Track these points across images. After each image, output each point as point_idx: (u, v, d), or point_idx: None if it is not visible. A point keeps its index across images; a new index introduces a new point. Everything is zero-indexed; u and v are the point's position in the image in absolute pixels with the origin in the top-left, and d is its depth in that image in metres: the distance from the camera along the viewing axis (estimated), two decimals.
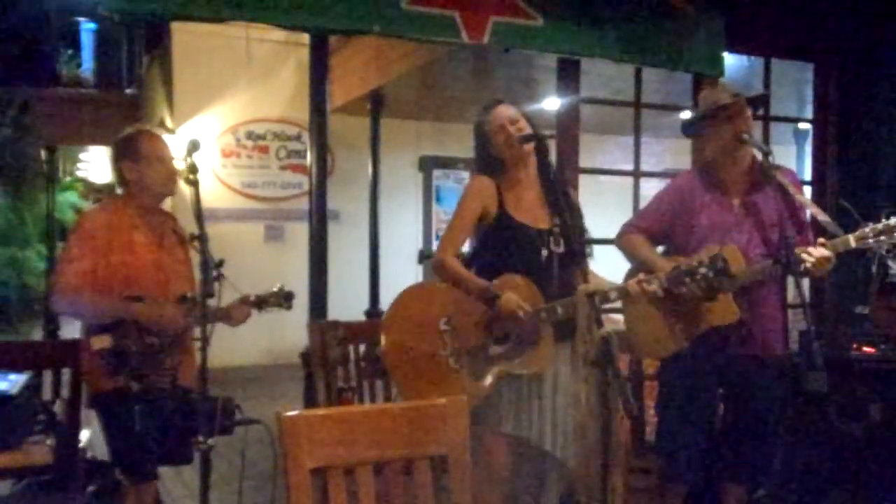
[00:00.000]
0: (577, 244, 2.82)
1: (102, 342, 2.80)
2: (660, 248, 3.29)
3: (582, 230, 2.93)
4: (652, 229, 3.20)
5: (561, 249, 2.83)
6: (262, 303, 3.11)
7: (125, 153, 3.00)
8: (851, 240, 2.78)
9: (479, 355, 2.78)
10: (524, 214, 2.84)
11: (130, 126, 3.15)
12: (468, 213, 2.84)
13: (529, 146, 2.86)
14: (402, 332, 2.85)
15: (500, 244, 2.82)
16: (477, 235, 2.88)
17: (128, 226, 2.95)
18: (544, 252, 2.81)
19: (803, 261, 2.78)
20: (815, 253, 2.77)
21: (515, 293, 2.67)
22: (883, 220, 2.75)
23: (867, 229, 2.76)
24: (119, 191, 3.13)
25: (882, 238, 2.74)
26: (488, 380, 2.75)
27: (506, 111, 2.90)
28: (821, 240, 2.86)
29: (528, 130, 2.86)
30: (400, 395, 2.91)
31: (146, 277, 2.91)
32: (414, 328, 2.82)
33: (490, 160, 2.90)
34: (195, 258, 2.64)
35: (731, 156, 3.06)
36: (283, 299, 3.14)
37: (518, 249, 2.80)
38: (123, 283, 2.87)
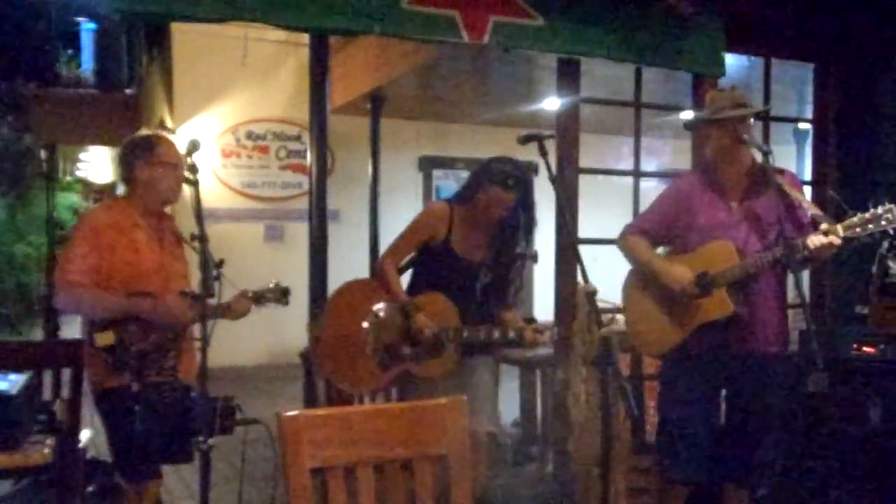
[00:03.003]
0: (502, 280, 3.29)
1: (106, 339, 2.81)
2: (660, 249, 3.32)
3: (514, 267, 3.32)
4: (652, 231, 3.24)
5: (487, 280, 3.28)
6: (259, 298, 3.13)
7: (141, 153, 3.00)
8: (839, 229, 2.79)
9: (391, 352, 3.21)
10: (464, 247, 3.26)
11: (146, 127, 3.16)
12: (416, 237, 3.30)
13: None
14: (337, 314, 3.26)
15: (434, 265, 3.28)
16: (420, 251, 3.32)
17: (131, 225, 2.96)
18: (471, 282, 3.26)
19: (808, 246, 2.78)
20: (817, 241, 2.79)
21: (435, 309, 3.16)
22: (871, 208, 2.75)
23: (855, 218, 2.77)
24: (122, 189, 3.14)
25: (869, 226, 2.74)
26: (391, 374, 3.20)
27: (506, 199, 3.15)
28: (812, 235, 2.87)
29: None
30: (320, 357, 3.34)
31: (148, 276, 2.93)
32: (347, 314, 3.23)
33: (469, 197, 3.23)
34: (193, 258, 2.66)
35: (730, 157, 3.08)
36: (281, 294, 3.17)
37: (448, 275, 3.24)
38: (126, 282, 2.88)
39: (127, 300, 2.85)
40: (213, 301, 2.68)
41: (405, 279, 3.40)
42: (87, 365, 2.98)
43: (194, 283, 3.06)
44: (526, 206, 3.22)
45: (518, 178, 3.16)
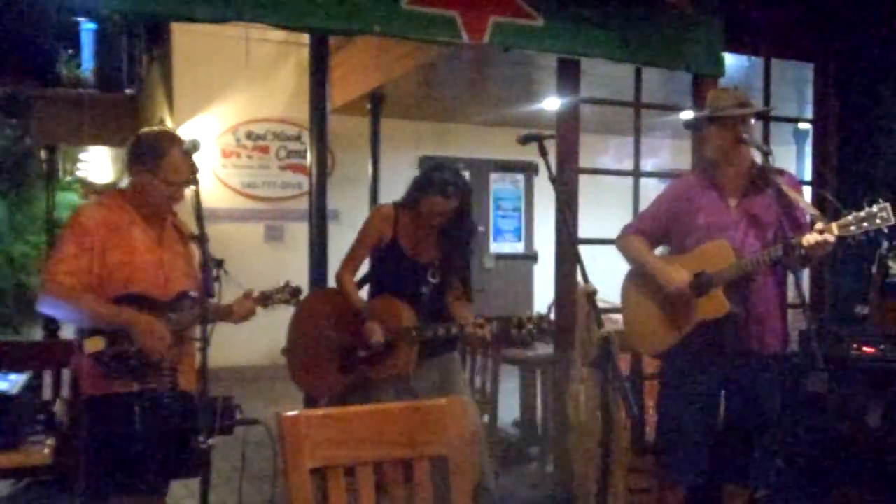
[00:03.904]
0: (455, 277, 3.36)
1: (96, 345, 2.65)
2: (660, 249, 3.32)
3: (465, 265, 3.42)
4: (651, 231, 3.25)
5: (436, 281, 3.33)
6: (266, 299, 3.02)
7: (146, 158, 2.78)
8: (834, 227, 2.80)
9: (349, 354, 3.31)
10: (412, 247, 3.35)
11: (159, 127, 2.93)
12: (366, 241, 3.39)
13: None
14: (303, 320, 3.43)
15: (386, 267, 3.39)
16: (372, 255, 3.43)
17: (126, 223, 2.78)
18: (420, 282, 3.31)
19: (802, 244, 2.78)
20: (811, 239, 2.79)
21: (390, 312, 3.23)
22: (865, 207, 2.76)
23: (849, 217, 2.77)
24: (126, 181, 2.93)
25: (864, 225, 2.74)
26: (350, 377, 3.30)
27: (446, 206, 3.23)
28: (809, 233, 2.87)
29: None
30: (288, 365, 3.45)
31: (145, 277, 2.76)
32: (312, 320, 3.40)
33: (412, 203, 3.33)
34: (197, 255, 2.62)
35: (730, 157, 3.08)
36: (290, 295, 3.08)
37: (399, 275, 3.32)
38: (121, 284, 2.71)
39: (110, 310, 2.66)
40: (213, 301, 2.66)
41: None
42: (78, 371, 2.80)
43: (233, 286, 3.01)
44: (465, 213, 3.31)
45: (457, 186, 3.24)
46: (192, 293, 2.83)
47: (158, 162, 2.75)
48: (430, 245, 3.36)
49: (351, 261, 3.41)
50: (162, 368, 2.73)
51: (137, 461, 2.66)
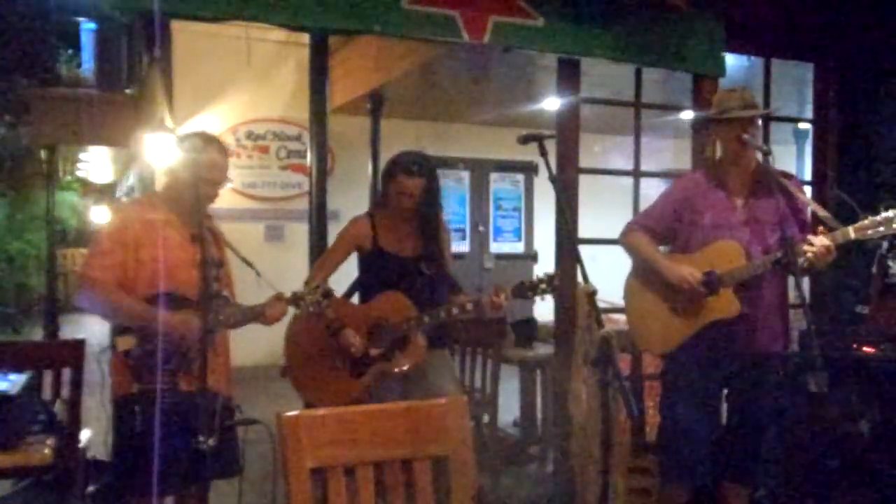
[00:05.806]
0: (442, 266, 3.39)
1: (127, 343, 2.70)
2: (660, 248, 3.32)
3: (443, 254, 3.43)
4: (656, 228, 3.24)
5: (430, 271, 3.38)
6: (298, 300, 2.99)
7: (180, 158, 2.84)
8: (851, 231, 2.81)
9: (360, 357, 3.28)
10: (394, 245, 3.40)
11: (205, 136, 2.90)
12: (338, 251, 3.45)
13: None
14: (300, 331, 3.38)
15: (375, 271, 3.41)
16: (359, 264, 3.48)
17: (162, 221, 2.81)
18: (414, 276, 3.35)
19: (805, 252, 2.80)
20: (817, 242, 2.80)
21: (390, 306, 3.28)
22: (882, 211, 2.77)
23: (866, 221, 2.78)
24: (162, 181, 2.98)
25: (881, 229, 2.76)
26: (367, 378, 3.28)
27: (412, 186, 3.29)
28: (821, 229, 2.89)
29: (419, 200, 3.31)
30: (294, 385, 3.41)
31: (177, 275, 2.76)
32: (309, 330, 3.33)
33: (383, 194, 3.45)
34: (233, 260, 2.66)
35: (737, 157, 3.08)
36: (323, 296, 3.02)
37: (390, 274, 3.35)
38: (152, 281, 2.73)
39: (142, 308, 2.70)
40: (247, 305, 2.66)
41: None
42: (111, 371, 2.82)
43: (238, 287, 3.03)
44: (432, 194, 3.34)
45: (421, 165, 3.30)
46: (225, 293, 2.87)
47: (193, 163, 2.79)
48: (410, 239, 3.40)
49: (321, 270, 3.40)
50: (190, 366, 2.70)
51: (164, 459, 2.60)
